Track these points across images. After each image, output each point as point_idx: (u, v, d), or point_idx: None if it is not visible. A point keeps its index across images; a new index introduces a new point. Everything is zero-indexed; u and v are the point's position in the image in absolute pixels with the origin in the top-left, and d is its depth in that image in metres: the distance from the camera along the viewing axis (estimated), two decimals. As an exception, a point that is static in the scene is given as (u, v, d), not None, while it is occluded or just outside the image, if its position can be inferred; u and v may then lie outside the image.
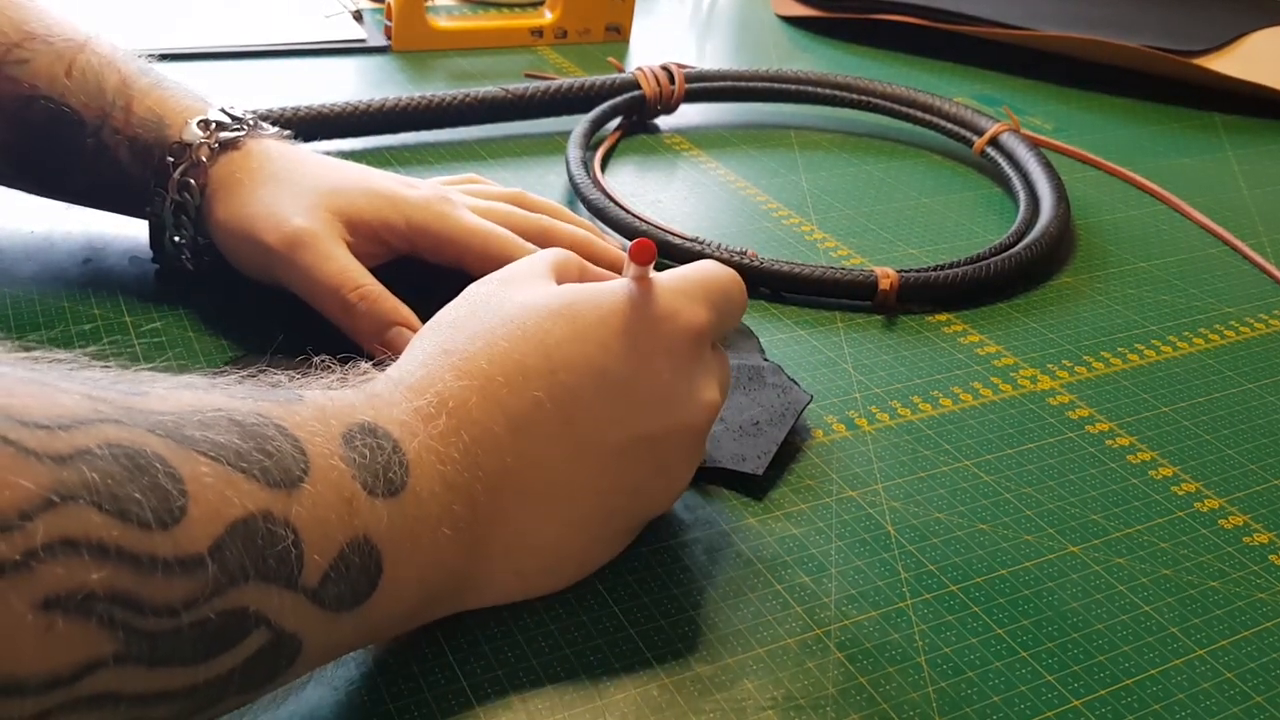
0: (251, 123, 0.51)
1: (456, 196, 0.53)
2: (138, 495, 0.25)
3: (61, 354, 0.28)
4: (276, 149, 0.51)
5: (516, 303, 0.37)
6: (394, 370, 0.36)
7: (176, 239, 0.51)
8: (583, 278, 0.42)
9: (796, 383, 0.49)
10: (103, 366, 0.29)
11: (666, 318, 0.37)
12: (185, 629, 0.26)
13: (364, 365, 0.36)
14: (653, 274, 0.38)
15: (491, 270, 0.51)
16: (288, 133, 0.53)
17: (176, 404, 0.28)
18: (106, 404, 0.26)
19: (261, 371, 0.33)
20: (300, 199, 0.49)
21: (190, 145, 0.49)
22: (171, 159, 0.49)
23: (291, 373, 0.34)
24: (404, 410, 0.34)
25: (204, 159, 0.49)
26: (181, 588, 0.25)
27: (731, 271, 0.41)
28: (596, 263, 0.54)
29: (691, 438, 0.38)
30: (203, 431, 0.27)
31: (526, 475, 0.35)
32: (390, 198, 0.50)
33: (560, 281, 0.40)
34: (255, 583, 0.27)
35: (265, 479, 0.28)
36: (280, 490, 0.28)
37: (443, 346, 0.36)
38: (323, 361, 0.35)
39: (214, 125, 0.50)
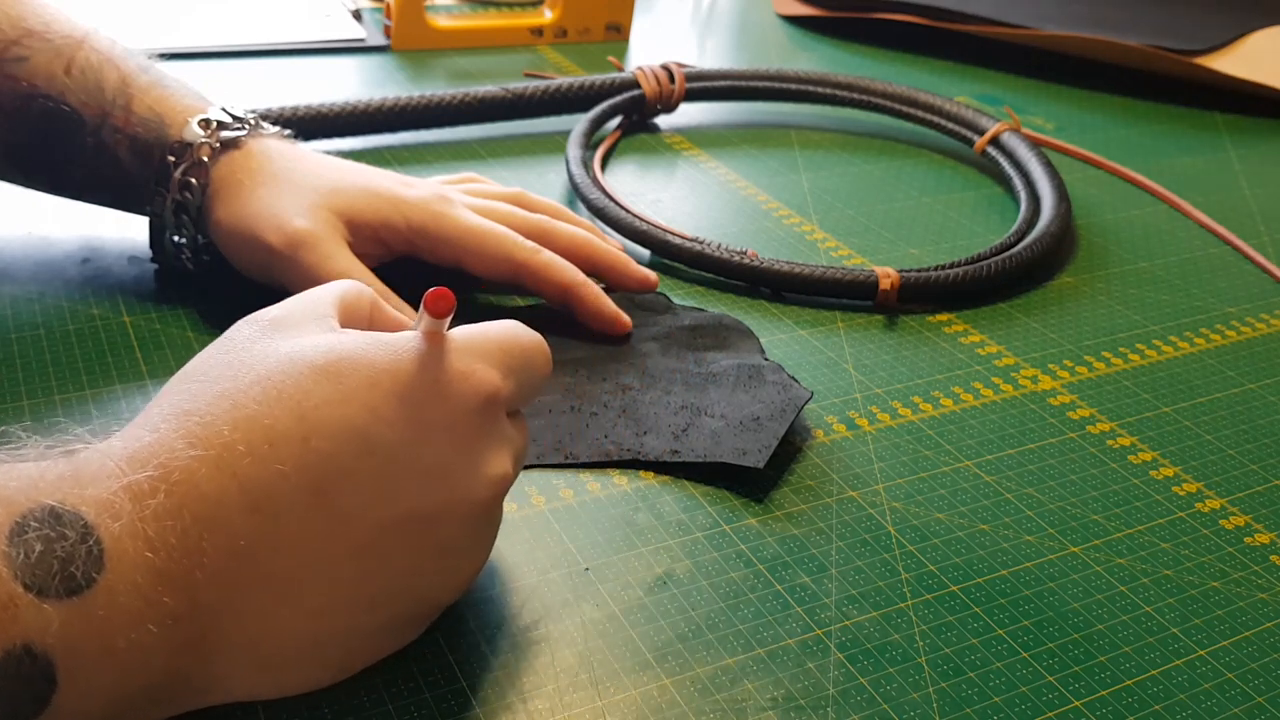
0: (253, 122, 0.51)
1: (456, 196, 0.53)
2: None
3: None
4: (277, 148, 0.51)
5: (280, 355, 0.32)
6: (119, 436, 0.31)
7: (176, 238, 0.51)
8: (372, 321, 0.37)
9: (796, 380, 0.49)
10: None
11: (453, 380, 0.33)
12: None
13: (78, 431, 0.31)
14: (448, 330, 0.34)
15: (490, 270, 0.51)
16: (288, 132, 0.53)
17: None
18: None
19: None
20: (301, 199, 0.48)
21: (192, 145, 0.49)
22: (173, 158, 0.49)
23: None
24: (109, 487, 0.29)
25: (205, 159, 0.49)
26: None
27: (537, 336, 0.37)
28: (597, 264, 0.54)
29: (475, 515, 0.34)
30: None
31: (266, 558, 0.30)
32: (390, 198, 0.50)
33: (345, 324, 0.35)
34: None
35: None
36: None
37: (183, 406, 0.31)
38: (15, 432, 0.30)
39: (215, 125, 0.50)
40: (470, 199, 0.53)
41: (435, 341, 0.33)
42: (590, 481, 0.44)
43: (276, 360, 0.32)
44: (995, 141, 0.73)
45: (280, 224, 0.48)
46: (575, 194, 0.64)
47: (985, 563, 0.42)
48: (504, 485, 0.34)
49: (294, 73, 0.78)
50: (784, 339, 0.55)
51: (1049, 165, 0.69)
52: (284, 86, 0.76)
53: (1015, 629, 0.40)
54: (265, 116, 0.62)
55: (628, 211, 0.61)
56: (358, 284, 0.37)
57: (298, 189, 0.49)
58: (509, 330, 0.36)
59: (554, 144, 0.72)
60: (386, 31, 0.84)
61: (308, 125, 0.65)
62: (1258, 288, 0.65)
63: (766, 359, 0.51)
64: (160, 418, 0.31)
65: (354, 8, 0.88)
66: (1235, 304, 0.63)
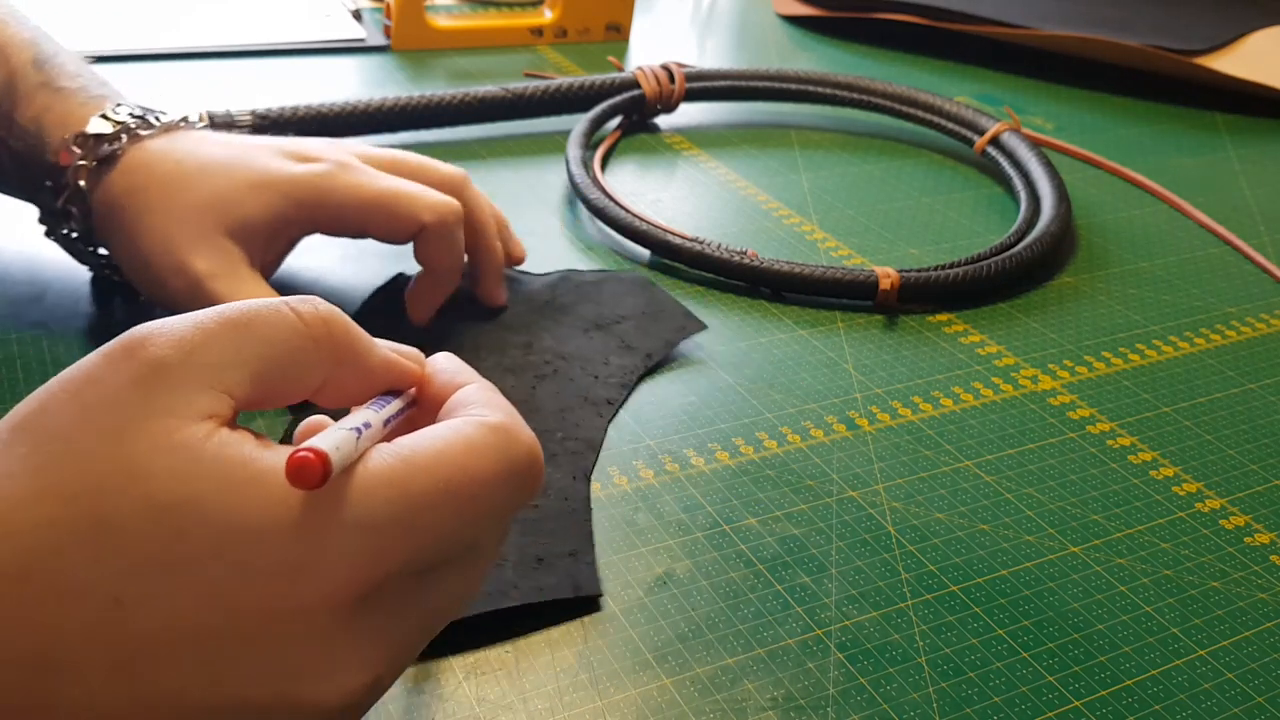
0: (132, 125, 0.47)
1: (367, 152, 0.50)
2: None
3: None
4: (156, 156, 0.46)
5: (131, 457, 0.24)
6: None
7: (89, 260, 0.49)
8: (339, 357, 0.28)
9: (680, 305, 0.54)
10: None
11: (325, 560, 0.25)
12: None
13: None
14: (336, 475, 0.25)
15: (396, 237, 0.48)
16: (176, 118, 0.49)
17: None
18: None
19: None
20: (188, 226, 0.45)
21: (67, 169, 0.46)
22: (50, 183, 0.47)
23: None
24: None
25: (83, 183, 0.46)
26: None
27: (524, 445, 0.28)
28: (485, 251, 0.52)
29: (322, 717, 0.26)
30: None
31: None
32: (275, 183, 0.46)
33: (258, 400, 0.27)
34: None
35: None
36: None
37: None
38: None
39: (91, 140, 0.46)
40: (377, 153, 0.50)
41: (313, 503, 0.25)
42: (590, 481, 0.44)
43: (120, 465, 0.24)
44: (995, 141, 0.73)
45: (177, 266, 0.44)
46: (575, 194, 0.64)
47: (985, 563, 0.42)
48: (365, 696, 0.27)
49: (294, 73, 0.78)
50: (784, 339, 0.55)
51: (1049, 165, 0.69)
52: (284, 86, 0.76)
53: (1015, 629, 0.40)
54: (265, 116, 0.62)
55: (628, 211, 0.61)
56: (312, 335, 0.27)
57: (181, 212, 0.45)
58: (445, 471, 0.26)
59: (554, 144, 0.72)
60: (386, 31, 0.84)
61: (308, 125, 0.64)
62: (1258, 288, 0.65)
63: (602, 270, 0.57)
64: None
65: (354, 8, 0.88)
66: (1235, 304, 0.63)
